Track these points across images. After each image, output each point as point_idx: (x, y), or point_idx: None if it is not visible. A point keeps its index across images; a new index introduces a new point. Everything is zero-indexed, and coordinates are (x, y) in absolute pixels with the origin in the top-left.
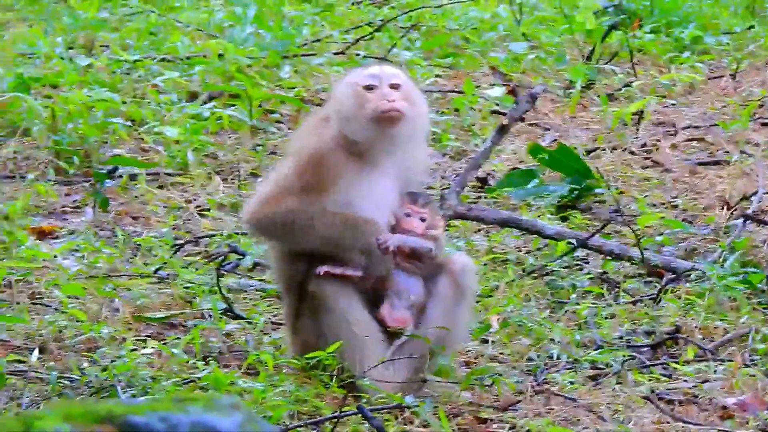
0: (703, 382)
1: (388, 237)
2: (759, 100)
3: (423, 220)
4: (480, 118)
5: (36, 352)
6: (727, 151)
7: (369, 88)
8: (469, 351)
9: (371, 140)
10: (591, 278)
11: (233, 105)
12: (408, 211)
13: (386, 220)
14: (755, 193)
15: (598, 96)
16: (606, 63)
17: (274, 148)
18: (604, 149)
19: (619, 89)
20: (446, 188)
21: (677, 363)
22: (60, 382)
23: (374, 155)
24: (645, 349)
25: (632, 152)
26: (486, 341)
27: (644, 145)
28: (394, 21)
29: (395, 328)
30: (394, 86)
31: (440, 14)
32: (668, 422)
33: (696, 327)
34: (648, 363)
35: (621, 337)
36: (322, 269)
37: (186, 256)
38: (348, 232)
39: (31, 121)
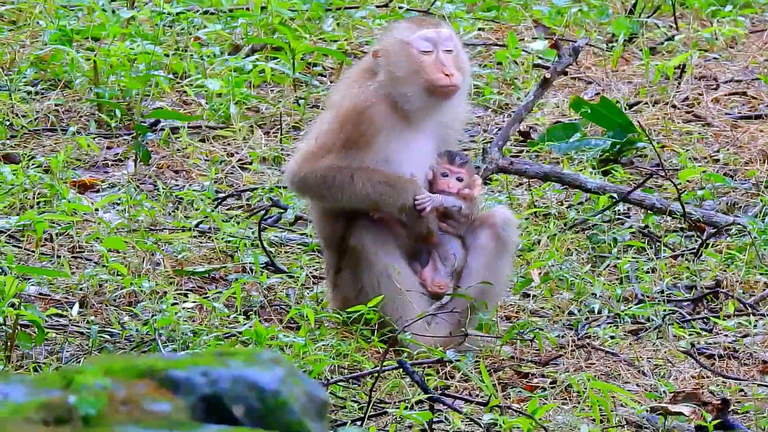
0: (743, 337)
1: (426, 198)
2: None
3: (460, 179)
4: (522, 72)
5: (76, 306)
6: None
7: (424, 52)
8: (510, 305)
9: (419, 106)
10: (632, 232)
11: (276, 58)
12: (445, 171)
13: (424, 178)
14: None
15: (641, 50)
16: (648, 17)
17: (317, 101)
18: (646, 103)
19: (662, 43)
20: (488, 142)
21: (718, 317)
22: (100, 337)
23: (416, 116)
24: (686, 303)
25: (674, 106)
26: (527, 295)
27: (686, 99)
28: None
29: (435, 291)
30: (448, 51)
31: None
32: (708, 377)
33: (737, 281)
34: (688, 317)
35: (662, 292)
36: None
37: (228, 209)
38: (387, 191)
39: (73, 74)
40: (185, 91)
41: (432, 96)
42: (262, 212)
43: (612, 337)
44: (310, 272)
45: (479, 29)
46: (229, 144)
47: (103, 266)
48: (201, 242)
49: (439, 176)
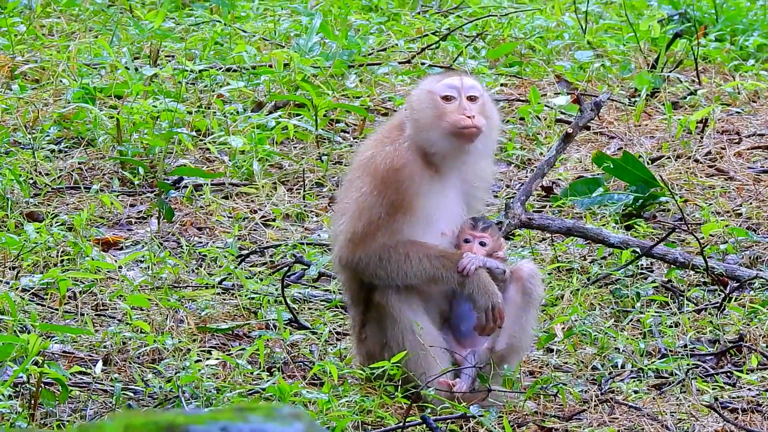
0: (766, 391)
1: (467, 261)
2: None
3: (483, 244)
4: (545, 127)
5: (100, 364)
6: None
7: (447, 98)
8: (533, 360)
9: (445, 152)
10: (655, 287)
11: (299, 115)
12: (468, 237)
13: (453, 236)
14: None
15: (663, 104)
16: (671, 71)
17: (340, 157)
18: (668, 157)
19: (684, 97)
20: (511, 197)
21: (741, 371)
22: (124, 394)
23: (445, 165)
24: (709, 357)
25: (697, 160)
26: (551, 350)
27: (709, 153)
28: (460, 30)
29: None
30: (472, 98)
31: (506, 23)
32: (732, 431)
33: (760, 335)
34: (712, 371)
35: (685, 346)
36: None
37: (251, 266)
38: (446, 264)
39: (96, 132)
40: (208, 149)
41: (456, 139)
42: (286, 269)
43: (635, 392)
44: (334, 329)
45: (502, 85)
46: (252, 201)
47: (127, 324)
48: (224, 299)
49: (462, 243)
